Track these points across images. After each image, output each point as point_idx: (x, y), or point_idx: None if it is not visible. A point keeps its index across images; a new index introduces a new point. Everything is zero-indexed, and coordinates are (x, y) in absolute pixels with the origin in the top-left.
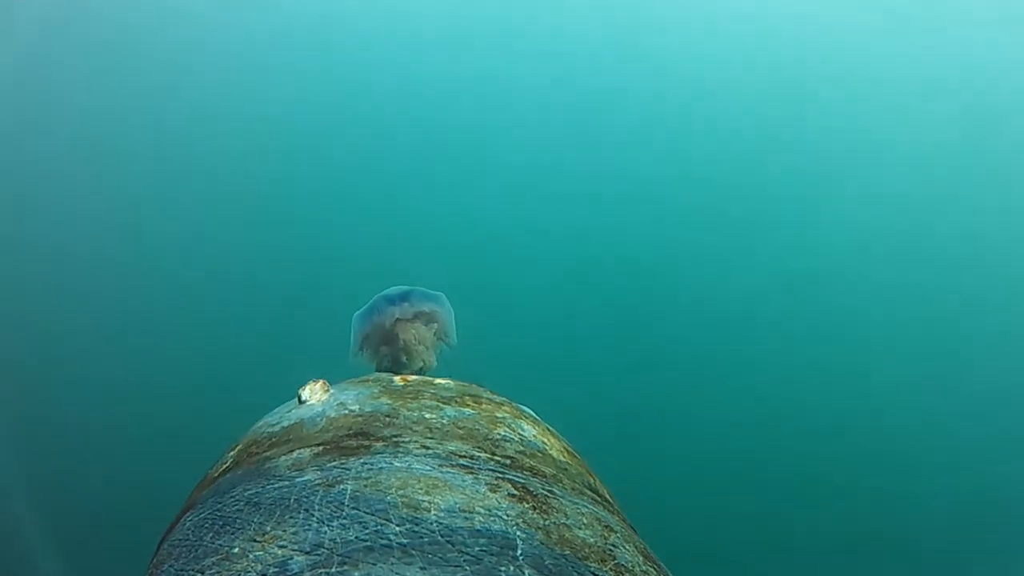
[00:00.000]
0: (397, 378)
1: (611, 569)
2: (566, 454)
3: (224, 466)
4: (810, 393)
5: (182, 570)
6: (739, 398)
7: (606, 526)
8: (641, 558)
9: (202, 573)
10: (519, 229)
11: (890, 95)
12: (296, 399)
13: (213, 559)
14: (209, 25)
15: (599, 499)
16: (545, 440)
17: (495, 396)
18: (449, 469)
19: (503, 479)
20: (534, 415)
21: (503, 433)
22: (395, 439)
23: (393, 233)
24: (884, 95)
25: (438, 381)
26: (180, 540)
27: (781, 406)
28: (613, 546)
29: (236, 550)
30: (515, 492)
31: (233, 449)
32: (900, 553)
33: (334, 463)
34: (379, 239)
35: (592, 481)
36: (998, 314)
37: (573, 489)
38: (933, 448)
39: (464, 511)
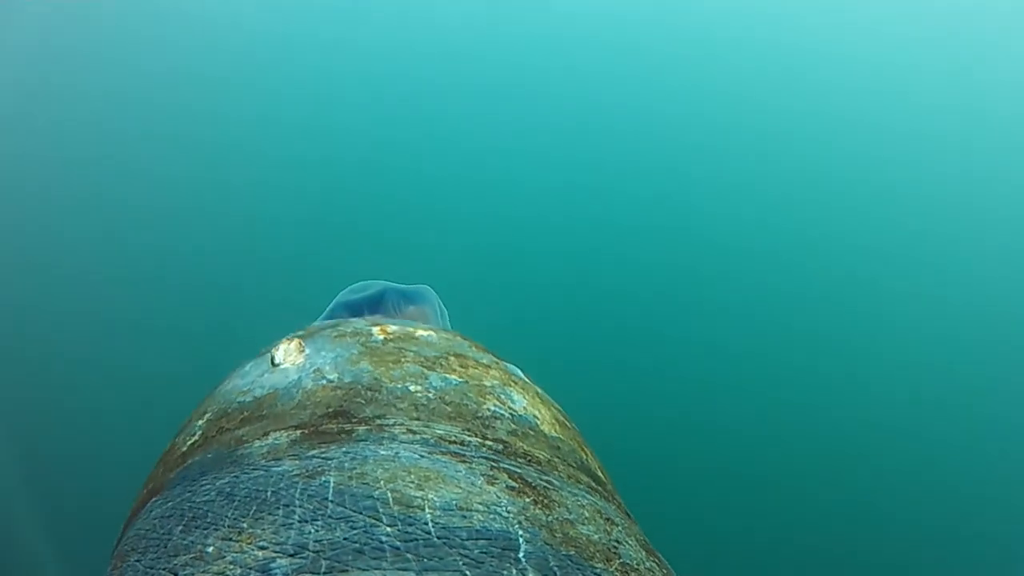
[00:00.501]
0: (376, 329)
1: (617, 569)
2: (558, 426)
3: (192, 440)
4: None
5: (152, 567)
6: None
7: (607, 519)
8: (644, 553)
9: (174, 574)
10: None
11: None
12: (268, 359)
13: (185, 557)
14: None
15: (594, 483)
16: (536, 412)
17: (481, 354)
18: (439, 457)
19: (498, 468)
20: (523, 376)
21: (492, 408)
22: (378, 420)
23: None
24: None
25: (419, 333)
26: (146, 531)
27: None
28: (617, 542)
29: (211, 549)
30: (514, 484)
31: (201, 417)
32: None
33: (313, 451)
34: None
35: (585, 458)
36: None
37: (569, 476)
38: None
39: (461, 508)
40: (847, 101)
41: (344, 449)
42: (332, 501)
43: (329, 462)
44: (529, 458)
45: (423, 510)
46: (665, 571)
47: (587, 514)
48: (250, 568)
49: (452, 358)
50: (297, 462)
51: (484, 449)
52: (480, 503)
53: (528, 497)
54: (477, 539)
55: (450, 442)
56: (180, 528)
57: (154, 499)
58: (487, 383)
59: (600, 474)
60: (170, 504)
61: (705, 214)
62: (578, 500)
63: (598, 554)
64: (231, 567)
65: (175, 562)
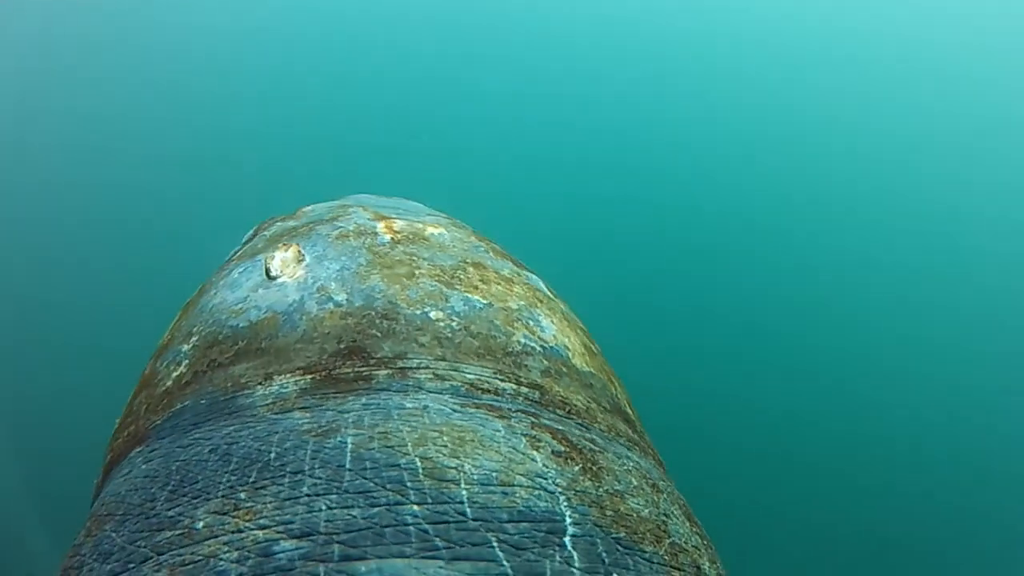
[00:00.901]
0: (381, 225)
1: (666, 552)
2: (588, 356)
3: (178, 371)
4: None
5: (131, 543)
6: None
7: (653, 485)
8: (688, 525)
9: (158, 553)
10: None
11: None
12: (260, 265)
13: (170, 534)
14: None
15: (630, 429)
16: (566, 340)
17: (501, 262)
18: (473, 410)
19: (540, 426)
20: (546, 290)
21: (522, 339)
22: (400, 362)
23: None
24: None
25: (429, 231)
26: (126, 493)
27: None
28: (665, 516)
29: (201, 525)
30: (560, 448)
31: (186, 339)
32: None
33: (327, 403)
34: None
35: (615, 392)
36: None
37: (609, 428)
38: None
39: (503, 483)
40: (847, 101)
41: (363, 400)
42: (350, 470)
43: (346, 416)
44: (568, 408)
45: (458, 485)
46: (707, 543)
47: (634, 481)
48: (248, 551)
49: (471, 268)
50: (308, 415)
51: (520, 399)
52: (523, 475)
53: (576, 465)
54: (519, 521)
55: (483, 391)
56: (165, 494)
57: (136, 449)
58: (512, 304)
59: (629, 410)
60: (156, 460)
61: (713, 213)
62: (624, 464)
63: (648, 534)
64: (224, 548)
65: (159, 539)
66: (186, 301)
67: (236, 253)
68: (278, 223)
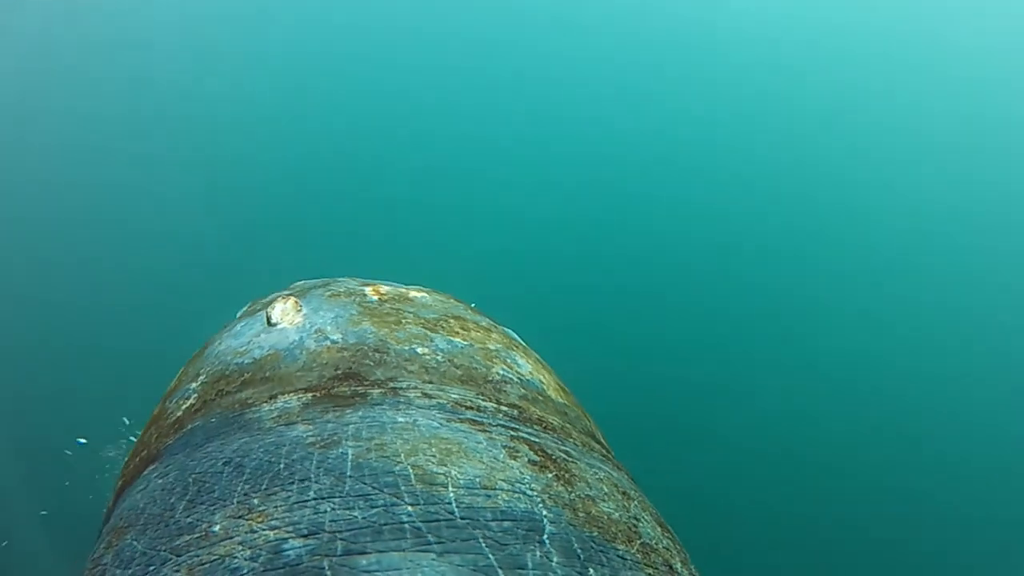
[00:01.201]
0: (368, 289)
1: (638, 550)
2: (561, 392)
3: (188, 403)
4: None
5: (152, 548)
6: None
7: (624, 492)
8: (659, 529)
9: (176, 555)
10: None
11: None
12: (261, 318)
13: (188, 537)
14: None
15: (604, 450)
16: (541, 377)
17: (478, 316)
18: (458, 425)
19: (518, 439)
20: (520, 341)
21: (501, 372)
22: (392, 384)
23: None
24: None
25: (413, 294)
26: (144, 505)
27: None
28: (636, 519)
29: (217, 528)
30: (535, 458)
31: (194, 379)
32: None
33: (328, 415)
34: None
35: (588, 424)
36: None
37: (583, 444)
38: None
39: (485, 487)
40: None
41: (360, 413)
42: (351, 476)
43: (346, 428)
44: (544, 424)
45: (447, 488)
46: (678, 547)
47: (606, 488)
48: (260, 549)
49: (452, 320)
50: (311, 427)
51: (500, 416)
52: (504, 480)
53: (550, 472)
54: (502, 520)
55: (466, 407)
56: (183, 504)
57: (151, 467)
58: (491, 346)
59: (601, 438)
60: (171, 475)
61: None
62: (596, 473)
63: (620, 534)
64: (239, 548)
65: (178, 542)
66: (191, 355)
67: (232, 322)
68: (272, 295)
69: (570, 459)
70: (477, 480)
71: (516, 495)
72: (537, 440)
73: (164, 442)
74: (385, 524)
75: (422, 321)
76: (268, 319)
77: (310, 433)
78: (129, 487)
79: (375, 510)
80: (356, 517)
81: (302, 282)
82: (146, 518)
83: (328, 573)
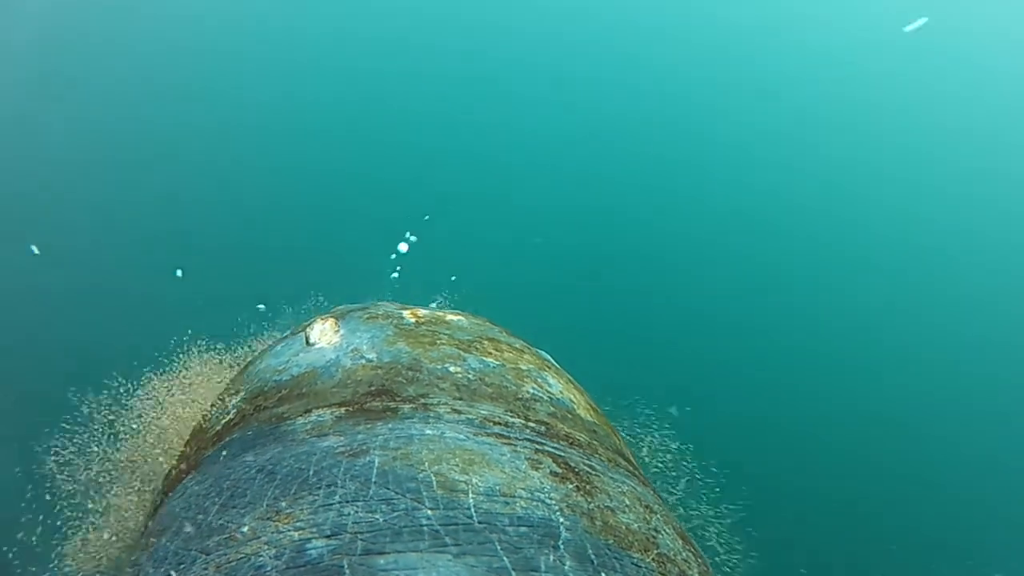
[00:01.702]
0: (406, 313)
1: (653, 559)
2: (592, 412)
3: (227, 418)
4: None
5: (184, 548)
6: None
7: (647, 506)
8: (680, 542)
9: (206, 554)
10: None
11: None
12: (301, 339)
13: (218, 538)
14: None
15: (632, 468)
16: (572, 397)
17: (512, 339)
18: (485, 438)
19: (542, 452)
20: (554, 362)
21: (531, 391)
22: (423, 399)
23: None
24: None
25: (450, 317)
26: (181, 509)
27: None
28: (655, 531)
29: (245, 529)
30: (557, 470)
31: (234, 395)
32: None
33: (359, 428)
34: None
35: (618, 443)
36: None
37: (609, 460)
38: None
39: (505, 494)
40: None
41: (390, 426)
42: (375, 482)
43: (375, 439)
44: (571, 440)
45: (467, 495)
46: (700, 560)
47: (628, 501)
48: (284, 548)
49: (486, 342)
50: (342, 439)
51: (527, 431)
52: (524, 488)
53: (571, 483)
54: (519, 525)
55: (494, 423)
56: (216, 508)
57: (190, 476)
58: (523, 367)
59: (630, 455)
60: (208, 481)
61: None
62: (619, 487)
63: (636, 543)
64: (265, 547)
65: (208, 543)
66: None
67: (272, 343)
68: (313, 318)
69: (594, 473)
70: (497, 488)
71: (535, 503)
72: (562, 454)
73: (203, 453)
74: (405, 526)
75: (456, 342)
76: (307, 339)
77: (340, 443)
78: (169, 496)
79: (396, 513)
80: (378, 520)
81: (343, 306)
82: (180, 522)
83: (347, 571)
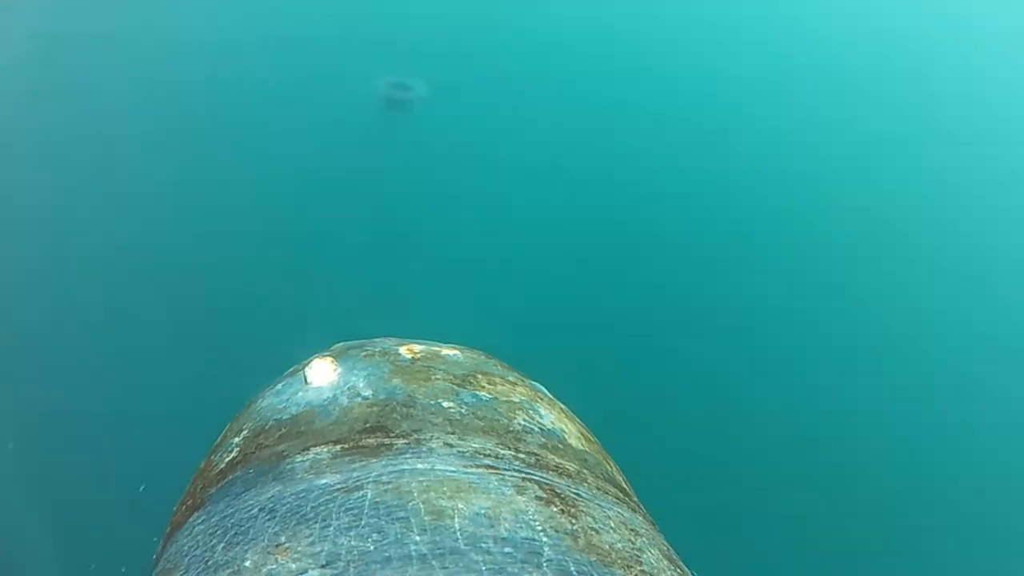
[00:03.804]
0: (403, 349)
1: (636, 574)
2: (584, 440)
3: (230, 456)
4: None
5: None
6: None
7: (632, 529)
8: (666, 562)
9: None
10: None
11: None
12: (301, 378)
13: (225, 573)
14: None
15: (621, 493)
16: (563, 426)
17: (507, 372)
18: (474, 470)
19: (529, 480)
20: (548, 394)
21: (523, 422)
22: (416, 435)
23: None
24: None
25: (445, 352)
26: (189, 548)
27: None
28: (639, 550)
29: (248, 563)
30: (542, 495)
31: (237, 434)
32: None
33: (355, 465)
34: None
35: (610, 470)
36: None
37: (598, 488)
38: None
39: (490, 518)
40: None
41: (383, 462)
42: (368, 514)
43: (368, 475)
44: (560, 471)
45: (453, 519)
46: None
47: (612, 524)
48: None
49: (480, 376)
50: (339, 476)
51: (517, 463)
52: (508, 512)
53: (556, 507)
54: (503, 546)
55: (484, 455)
56: (222, 545)
57: (195, 514)
58: (515, 399)
59: (625, 486)
60: (213, 520)
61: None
62: (605, 511)
63: (619, 561)
64: None
65: None
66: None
67: (275, 382)
68: (314, 355)
69: (580, 499)
70: (482, 512)
71: (519, 524)
72: (548, 482)
73: (207, 492)
74: (394, 552)
75: (451, 377)
76: (305, 378)
77: (337, 481)
78: (176, 533)
79: (386, 541)
80: (369, 548)
81: (341, 344)
82: (189, 559)
83: None
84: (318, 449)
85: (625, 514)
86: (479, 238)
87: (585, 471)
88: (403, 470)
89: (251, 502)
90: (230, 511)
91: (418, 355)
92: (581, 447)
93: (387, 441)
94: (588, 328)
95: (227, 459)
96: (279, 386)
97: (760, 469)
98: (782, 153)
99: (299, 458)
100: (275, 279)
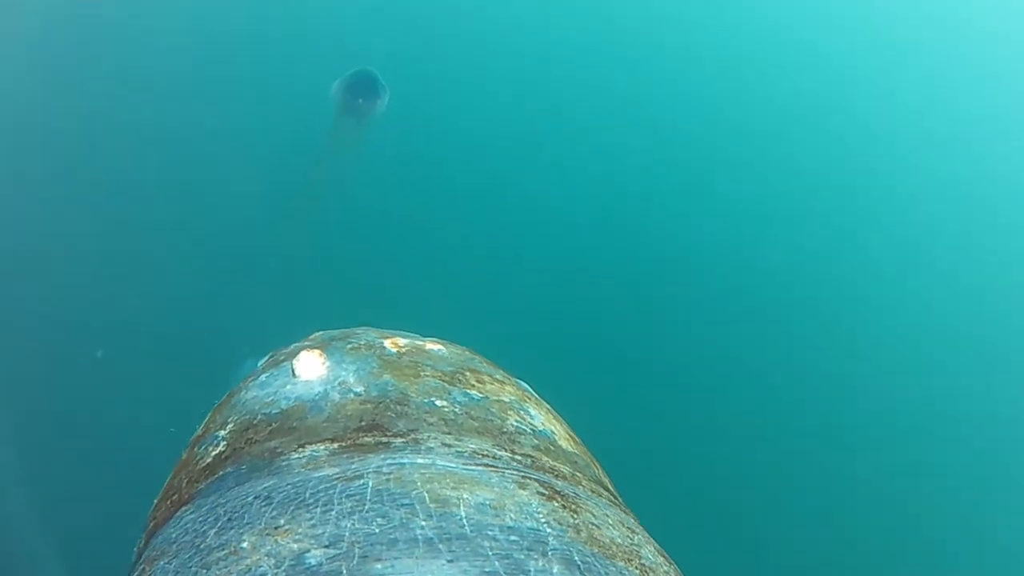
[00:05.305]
0: (387, 342)
1: (637, 568)
2: (571, 442)
3: (217, 450)
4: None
5: (183, 567)
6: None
7: (629, 528)
8: (661, 558)
9: (207, 569)
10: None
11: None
12: (286, 369)
13: (219, 554)
14: None
15: (612, 497)
16: (553, 428)
17: (492, 369)
18: (474, 467)
19: (528, 477)
20: (534, 393)
21: (515, 423)
22: (413, 434)
23: None
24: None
25: (429, 347)
26: (177, 536)
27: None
28: (637, 546)
29: (245, 544)
30: (543, 491)
31: (222, 427)
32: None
33: (353, 460)
34: None
35: (598, 473)
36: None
37: (592, 491)
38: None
39: (494, 508)
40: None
41: (382, 457)
42: (371, 500)
43: (368, 466)
44: (555, 473)
45: (459, 507)
46: (678, 574)
47: (611, 521)
48: (284, 558)
49: (468, 373)
50: (337, 469)
51: (514, 463)
52: (512, 504)
53: (557, 502)
54: (509, 534)
55: (482, 455)
56: (215, 531)
57: (183, 508)
58: (505, 398)
59: (612, 489)
60: (204, 510)
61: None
62: (602, 510)
63: (620, 553)
64: (265, 559)
65: (208, 559)
66: (215, 404)
67: (256, 372)
68: (294, 345)
69: (579, 498)
70: (487, 502)
71: (523, 516)
72: (547, 482)
73: (195, 486)
74: (400, 536)
75: (439, 374)
76: (293, 371)
77: (335, 472)
78: (161, 528)
79: (391, 524)
80: (374, 530)
81: (321, 333)
82: (178, 546)
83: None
84: (314, 447)
85: (620, 514)
86: (448, 234)
87: (578, 474)
88: (403, 463)
89: (245, 492)
90: (222, 500)
91: (403, 349)
92: (571, 449)
93: (384, 440)
94: (552, 322)
95: (214, 453)
96: (263, 377)
97: (743, 470)
98: (756, 156)
99: (295, 455)
100: (236, 271)
